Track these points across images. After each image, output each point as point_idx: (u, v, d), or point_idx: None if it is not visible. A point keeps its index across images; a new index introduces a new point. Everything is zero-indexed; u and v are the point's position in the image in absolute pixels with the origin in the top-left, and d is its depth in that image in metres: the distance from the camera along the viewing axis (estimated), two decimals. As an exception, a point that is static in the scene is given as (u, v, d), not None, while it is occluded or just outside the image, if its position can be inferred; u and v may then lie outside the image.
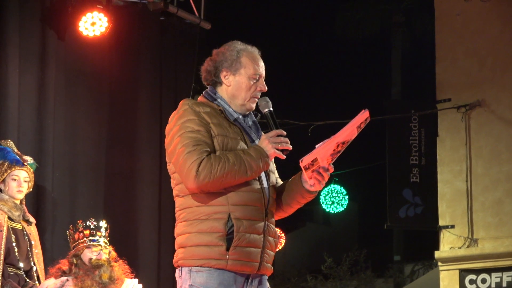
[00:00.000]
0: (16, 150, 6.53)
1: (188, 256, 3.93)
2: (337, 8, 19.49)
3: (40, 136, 7.58)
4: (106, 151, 8.16)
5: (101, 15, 7.82)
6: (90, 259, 6.27)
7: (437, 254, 11.17)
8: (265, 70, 4.17)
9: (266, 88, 4.12)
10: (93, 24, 7.82)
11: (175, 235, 4.02)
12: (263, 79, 4.12)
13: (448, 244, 11.06)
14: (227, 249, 3.87)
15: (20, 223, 6.36)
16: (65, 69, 7.93)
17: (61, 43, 7.88)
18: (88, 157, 8.00)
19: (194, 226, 3.92)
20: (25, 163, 6.46)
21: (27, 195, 6.59)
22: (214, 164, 3.84)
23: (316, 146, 3.91)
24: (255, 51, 4.15)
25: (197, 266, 3.90)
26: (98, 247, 6.33)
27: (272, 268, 4.09)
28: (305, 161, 3.91)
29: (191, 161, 3.85)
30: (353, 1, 19.29)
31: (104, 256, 6.32)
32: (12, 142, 6.60)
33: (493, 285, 10.77)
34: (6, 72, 7.37)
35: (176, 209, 4.04)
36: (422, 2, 17.79)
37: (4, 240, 6.16)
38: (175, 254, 4.02)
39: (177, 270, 4.01)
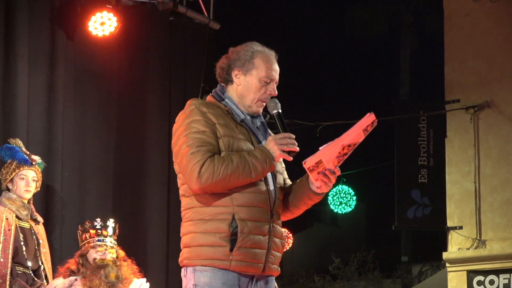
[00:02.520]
0: (24, 149, 6.53)
1: (192, 256, 3.94)
2: (346, 8, 19.51)
3: (49, 135, 7.58)
4: (115, 151, 8.16)
5: (110, 15, 7.82)
6: (95, 259, 6.27)
7: (445, 255, 11.15)
8: (274, 69, 4.14)
9: (276, 93, 4.08)
10: (102, 24, 7.81)
11: (181, 234, 4.03)
12: (274, 84, 4.09)
13: (456, 245, 11.04)
14: (231, 250, 3.87)
15: (28, 222, 6.37)
16: (74, 69, 7.93)
17: (70, 43, 7.88)
18: (97, 156, 8.00)
19: (199, 226, 3.92)
20: (33, 163, 6.46)
21: (36, 195, 6.60)
22: (217, 165, 3.83)
23: (320, 148, 3.87)
24: (271, 54, 4.11)
25: (201, 266, 3.91)
26: (103, 247, 6.30)
27: (279, 269, 4.07)
28: (308, 162, 3.87)
29: (194, 162, 3.85)
30: (361, 1, 19.31)
31: (109, 256, 6.28)
32: (20, 141, 6.60)
33: (501, 286, 10.75)
34: (15, 72, 7.37)
35: (182, 208, 4.05)
36: (431, 2, 17.80)
37: (12, 239, 6.17)
38: (181, 254, 4.03)
39: (182, 269, 4.02)
